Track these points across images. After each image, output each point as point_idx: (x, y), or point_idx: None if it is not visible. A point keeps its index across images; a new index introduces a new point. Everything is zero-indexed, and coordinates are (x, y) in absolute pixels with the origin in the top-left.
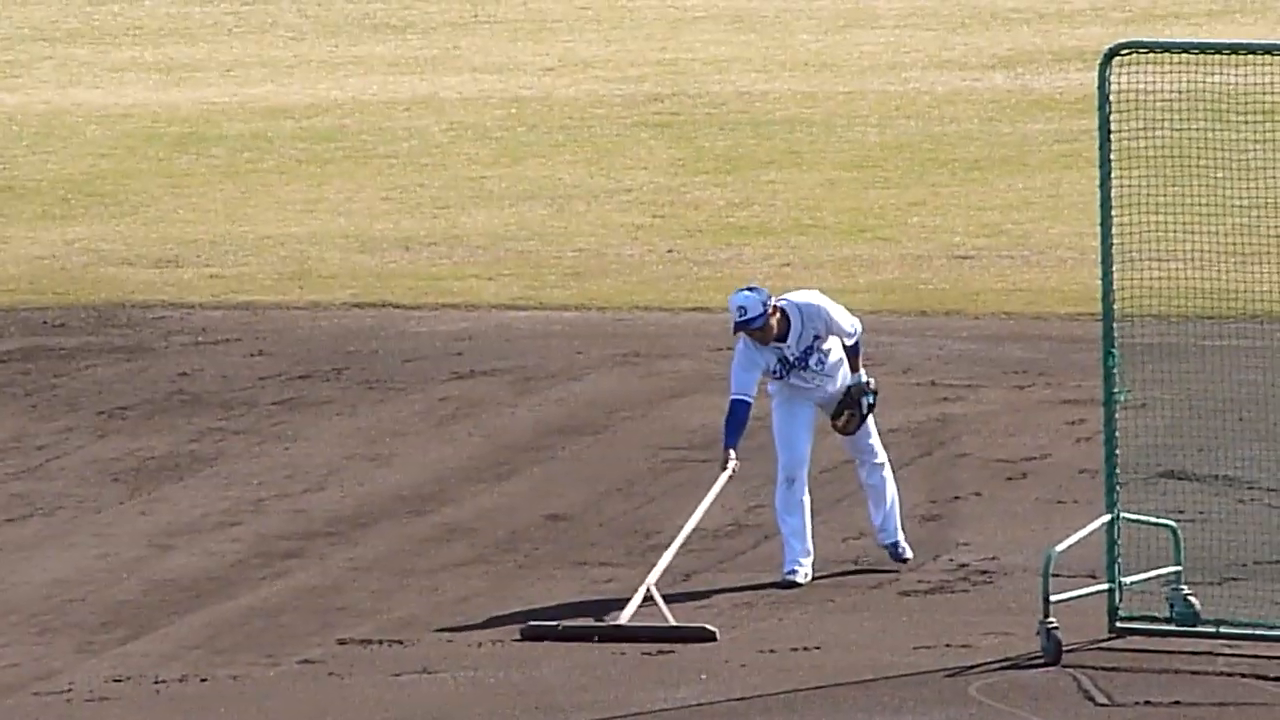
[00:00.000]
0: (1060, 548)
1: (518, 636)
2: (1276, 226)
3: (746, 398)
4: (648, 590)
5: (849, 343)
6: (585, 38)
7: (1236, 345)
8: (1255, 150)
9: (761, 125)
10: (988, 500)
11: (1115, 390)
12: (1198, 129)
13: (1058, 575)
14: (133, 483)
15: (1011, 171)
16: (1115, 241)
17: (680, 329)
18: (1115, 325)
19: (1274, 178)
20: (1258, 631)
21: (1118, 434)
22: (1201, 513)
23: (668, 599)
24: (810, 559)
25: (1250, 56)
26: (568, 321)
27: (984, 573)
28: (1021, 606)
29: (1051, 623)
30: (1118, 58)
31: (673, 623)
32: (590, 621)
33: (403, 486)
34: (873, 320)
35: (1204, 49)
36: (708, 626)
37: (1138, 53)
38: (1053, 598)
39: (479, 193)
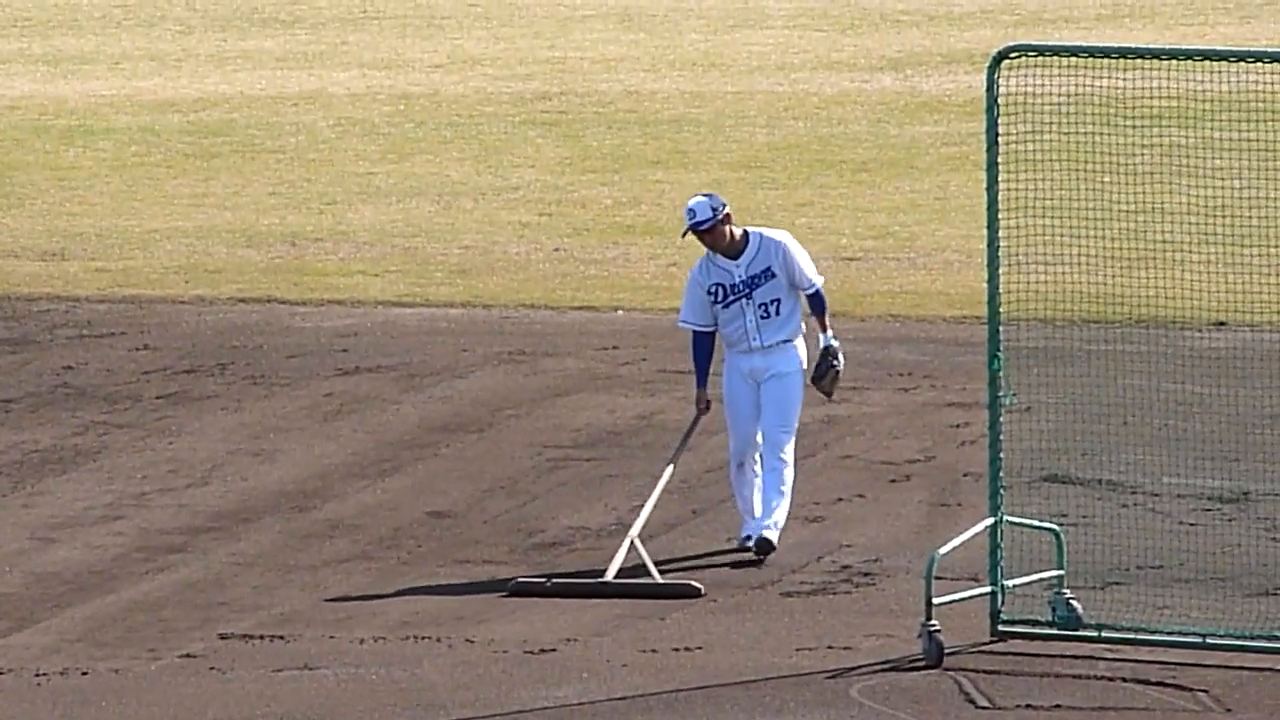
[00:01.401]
0: (943, 550)
1: (506, 593)
2: (1162, 232)
3: (699, 327)
4: (631, 543)
5: (808, 292)
6: (474, 35)
7: (1122, 350)
8: (1142, 155)
9: (649, 124)
10: (871, 502)
11: (1000, 394)
12: (1085, 133)
13: (940, 578)
14: (15, 476)
15: (899, 174)
16: (1002, 245)
17: (566, 327)
18: (1001, 329)
19: (1160, 183)
20: (1139, 636)
21: (1002, 438)
22: (1085, 517)
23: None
24: (751, 529)
25: (1138, 61)
26: (453, 319)
27: (866, 574)
28: (904, 609)
29: (934, 625)
30: (1006, 61)
31: (658, 579)
32: (577, 578)
33: (286, 482)
34: None
35: (1092, 53)
36: (693, 583)
37: (1026, 56)
38: (935, 600)
39: (366, 189)
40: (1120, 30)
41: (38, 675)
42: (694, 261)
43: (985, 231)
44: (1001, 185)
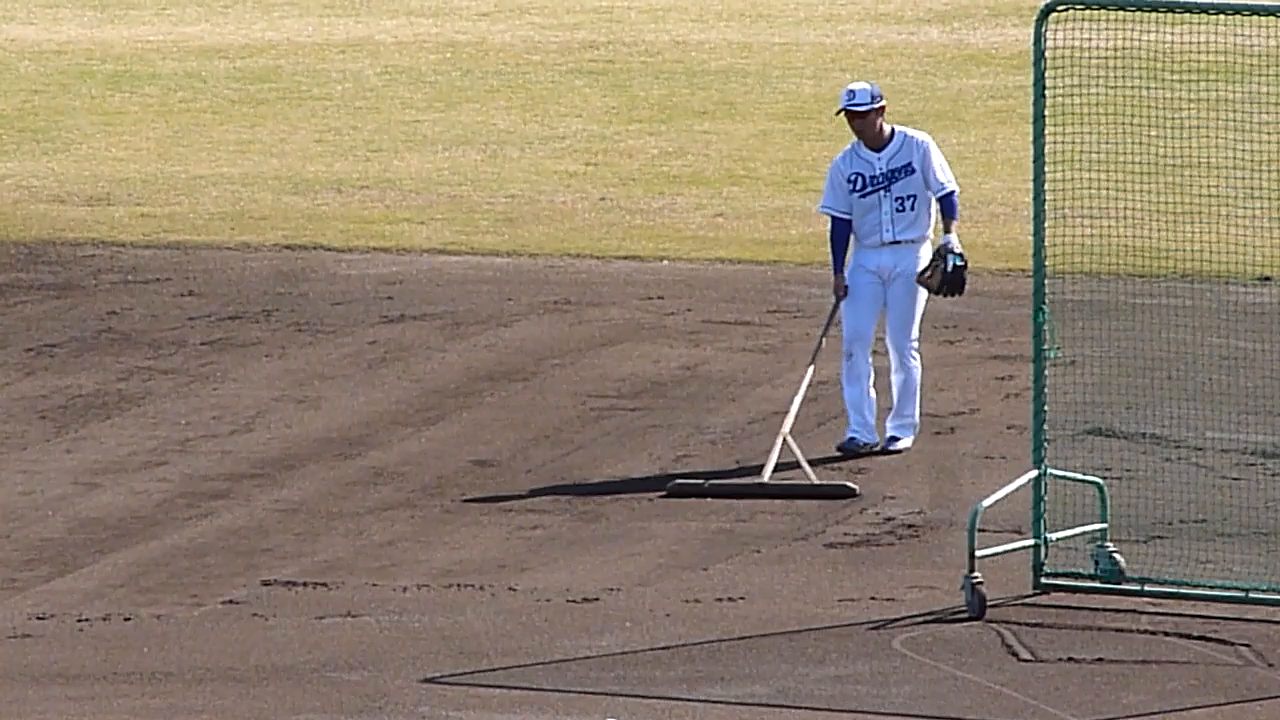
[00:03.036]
0: (986, 503)
1: (663, 493)
2: (1208, 186)
3: (839, 213)
4: (784, 440)
5: (940, 194)
6: None
7: (1166, 304)
8: (1189, 109)
9: (696, 75)
10: (915, 454)
11: (1045, 347)
12: (1132, 87)
13: (984, 530)
14: (60, 420)
15: (946, 126)
16: (1048, 198)
17: (611, 277)
18: (1046, 282)
19: (1207, 137)
20: (1181, 590)
21: (1046, 390)
22: (1128, 470)
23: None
24: (868, 428)
25: (1185, 15)
26: (499, 267)
27: (910, 526)
28: (946, 561)
29: (976, 578)
30: (1054, 14)
31: (813, 479)
32: (734, 481)
33: (330, 429)
34: (804, 273)
35: (1140, 6)
36: (848, 484)
37: (1074, 9)
38: (978, 552)
39: (412, 137)
40: None
41: (80, 620)
42: (827, 163)
43: (1031, 184)
44: (1048, 139)
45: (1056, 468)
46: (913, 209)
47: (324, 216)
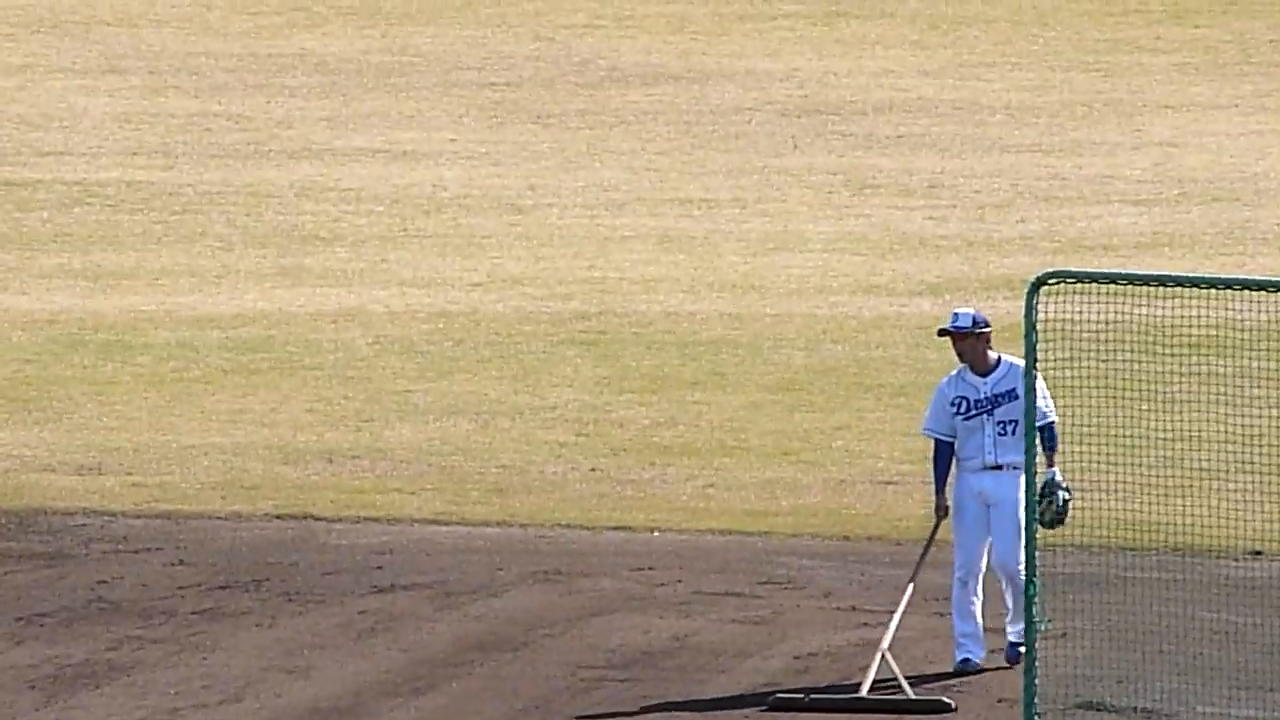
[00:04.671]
0: None
1: (767, 707)
2: (1200, 460)
3: (942, 436)
4: (883, 656)
5: (1041, 424)
6: (514, 254)
7: (1157, 577)
8: (1180, 383)
9: (687, 346)
10: None
11: (1036, 619)
12: (1123, 360)
13: None
14: (49, 690)
15: None
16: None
17: (601, 548)
18: (1037, 554)
19: (1198, 411)
20: None
21: (1037, 663)
22: None
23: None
24: (979, 645)
25: (1177, 289)
26: (489, 537)
27: None
28: None
29: None
30: (1045, 286)
31: (910, 694)
32: (834, 694)
33: (320, 699)
34: (795, 544)
35: (1131, 280)
36: (944, 699)
37: (1065, 282)
38: None
39: (404, 406)
40: (1159, 258)
41: None
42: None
43: (1024, 457)
44: None
45: None
46: (1014, 434)
47: (315, 486)
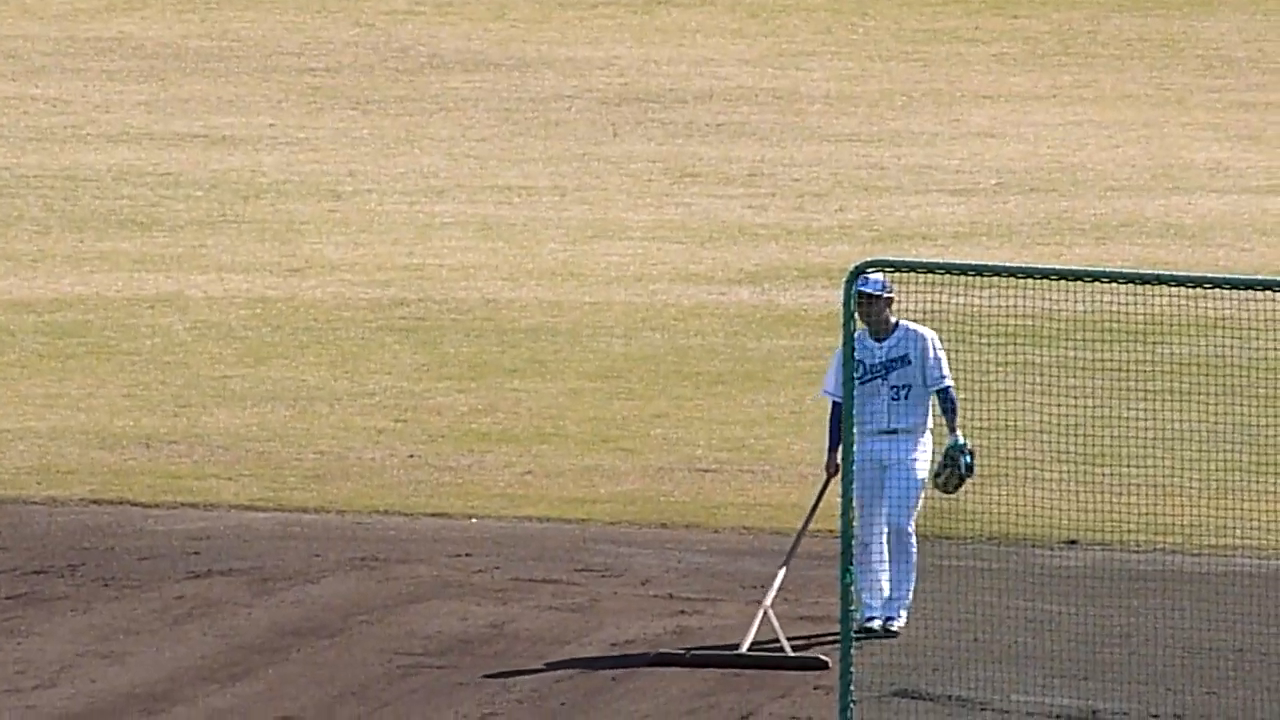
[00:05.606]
0: None
1: (648, 662)
2: (1016, 449)
3: (837, 398)
4: (764, 613)
5: (936, 387)
6: (333, 240)
7: (973, 566)
8: (997, 372)
9: (506, 333)
10: (721, 714)
11: (852, 608)
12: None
13: None
14: None
15: (755, 386)
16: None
17: (419, 534)
18: (854, 544)
19: (1014, 400)
20: None
21: (853, 652)
22: None
23: None
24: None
25: (994, 279)
26: (306, 523)
27: None
28: None
29: None
30: (863, 275)
31: (788, 652)
32: (714, 650)
33: (135, 685)
34: (612, 532)
35: (949, 269)
36: (820, 656)
37: (883, 271)
38: None
39: (221, 392)
40: (977, 249)
41: None
42: None
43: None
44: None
45: None
46: (908, 398)
47: (131, 471)
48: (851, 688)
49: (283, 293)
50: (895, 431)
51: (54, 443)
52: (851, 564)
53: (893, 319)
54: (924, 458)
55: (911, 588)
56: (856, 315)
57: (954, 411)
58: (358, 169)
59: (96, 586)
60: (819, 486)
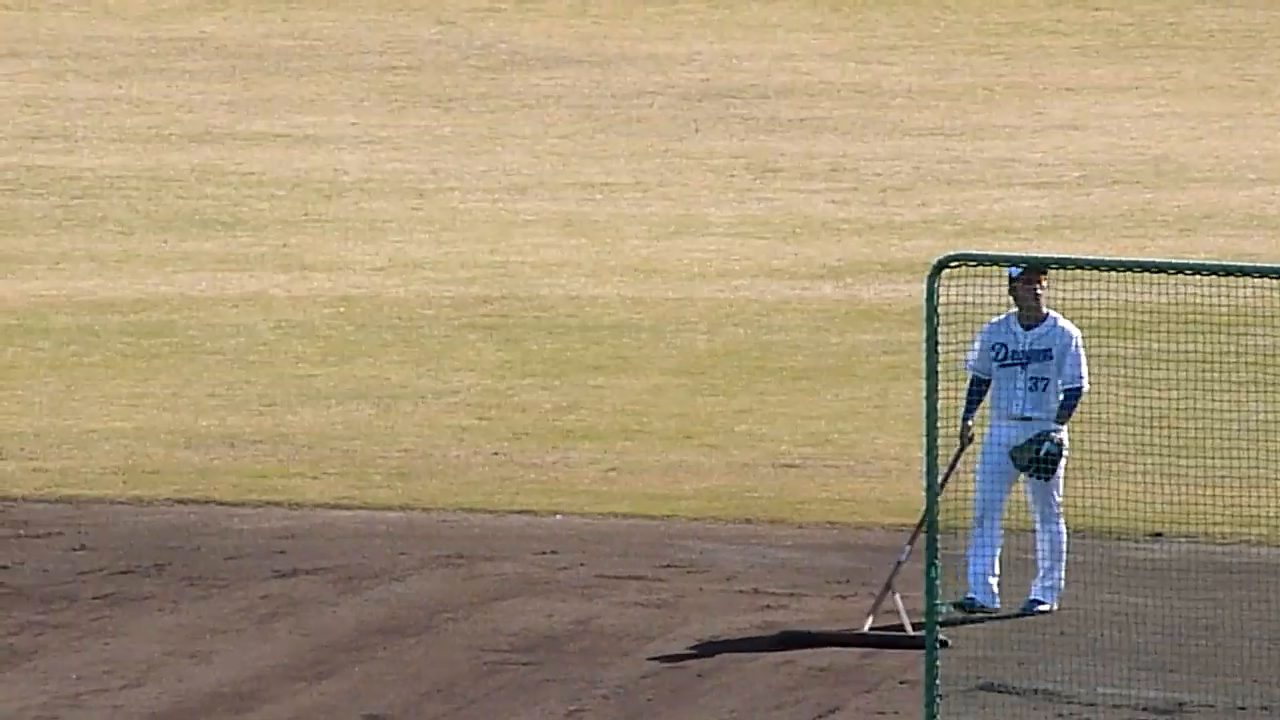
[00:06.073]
0: None
1: (776, 641)
2: (1100, 442)
3: (979, 373)
4: (890, 591)
5: (1067, 385)
6: (416, 238)
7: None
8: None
9: (590, 329)
10: (808, 708)
11: (937, 602)
12: None
13: None
14: None
15: (839, 381)
16: (940, 453)
17: (504, 531)
18: (939, 537)
19: (1099, 393)
20: None
21: (939, 646)
22: None
23: None
24: (989, 592)
25: (1077, 271)
26: (391, 522)
27: None
28: None
29: None
30: (946, 270)
31: (910, 632)
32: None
33: (222, 684)
34: (697, 528)
35: (1032, 263)
36: (942, 636)
37: (966, 265)
38: None
39: (305, 391)
40: (1060, 241)
41: None
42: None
43: (924, 440)
44: (941, 394)
45: None
46: (1045, 390)
47: (216, 471)
48: (937, 682)
49: (366, 291)
50: (1029, 419)
51: (139, 443)
52: (937, 558)
53: (1045, 309)
54: (1060, 445)
55: (1063, 569)
56: (1011, 298)
57: (1070, 410)
58: (440, 167)
59: (183, 586)
60: (952, 456)
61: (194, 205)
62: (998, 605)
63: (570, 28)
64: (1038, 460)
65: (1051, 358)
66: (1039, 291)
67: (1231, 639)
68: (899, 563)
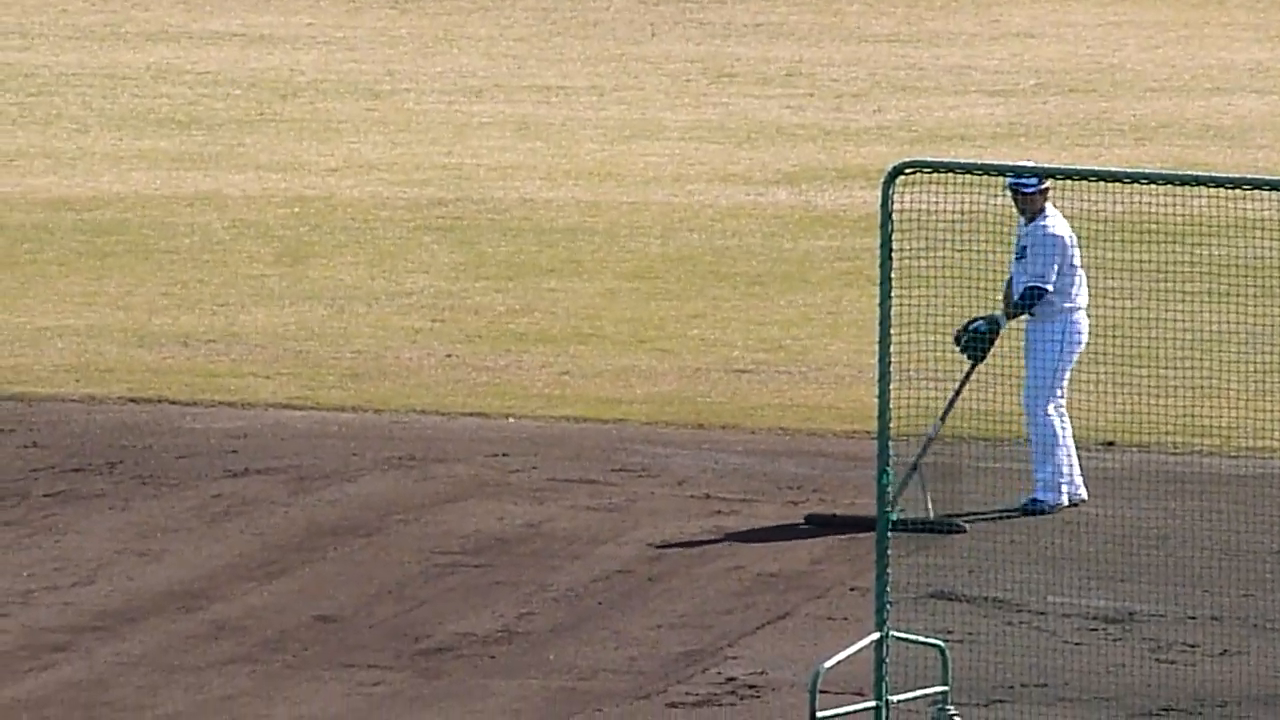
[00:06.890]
0: (829, 664)
1: (802, 521)
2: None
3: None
4: (917, 469)
5: (1028, 285)
6: (370, 140)
7: (1009, 468)
8: None
9: (544, 233)
10: (758, 614)
11: (888, 509)
12: (979, 250)
13: (825, 692)
14: None
15: (792, 287)
16: (893, 360)
17: (456, 434)
18: (891, 444)
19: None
20: None
21: (889, 552)
22: (970, 634)
23: None
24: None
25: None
26: (344, 423)
27: (752, 687)
28: None
29: None
30: (901, 176)
31: (931, 515)
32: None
33: (172, 582)
34: (649, 432)
35: (987, 170)
36: (960, 522)
37: (921, 172)
38: (819, 714)
39: (259, 291)
40: (1016, 149)
41: None
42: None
43: (877, 347)
44: (894, 301)
45: (899, 630)
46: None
47: (169, 370)
48: (888, 589)
49: (320, 192)
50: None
51: (92, 341)
52: (889, 465)
53: (1048, 207)
54: (1057, 340)
55: (1054, 465)
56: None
57: (1021, 307)
58: (396, 68)
59: (134, 484)
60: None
61: (149, 104)
62: (1076, 496)
63: None
64: (967, 335)
65: (1025, 256)
66: (1023, 193)
67: (1182, 549)
68: (929, 439)
